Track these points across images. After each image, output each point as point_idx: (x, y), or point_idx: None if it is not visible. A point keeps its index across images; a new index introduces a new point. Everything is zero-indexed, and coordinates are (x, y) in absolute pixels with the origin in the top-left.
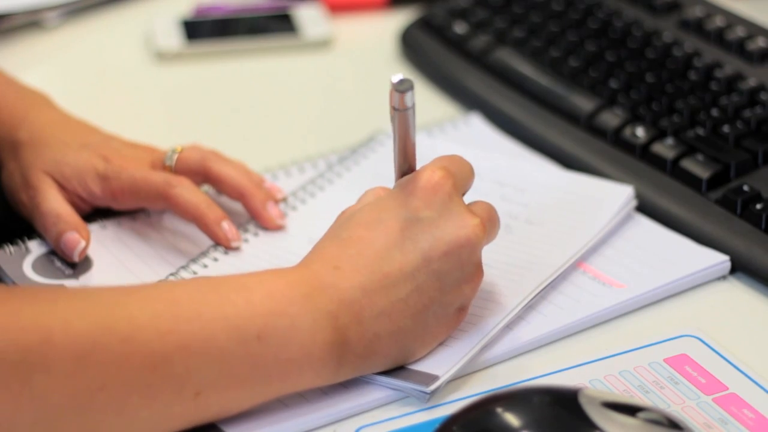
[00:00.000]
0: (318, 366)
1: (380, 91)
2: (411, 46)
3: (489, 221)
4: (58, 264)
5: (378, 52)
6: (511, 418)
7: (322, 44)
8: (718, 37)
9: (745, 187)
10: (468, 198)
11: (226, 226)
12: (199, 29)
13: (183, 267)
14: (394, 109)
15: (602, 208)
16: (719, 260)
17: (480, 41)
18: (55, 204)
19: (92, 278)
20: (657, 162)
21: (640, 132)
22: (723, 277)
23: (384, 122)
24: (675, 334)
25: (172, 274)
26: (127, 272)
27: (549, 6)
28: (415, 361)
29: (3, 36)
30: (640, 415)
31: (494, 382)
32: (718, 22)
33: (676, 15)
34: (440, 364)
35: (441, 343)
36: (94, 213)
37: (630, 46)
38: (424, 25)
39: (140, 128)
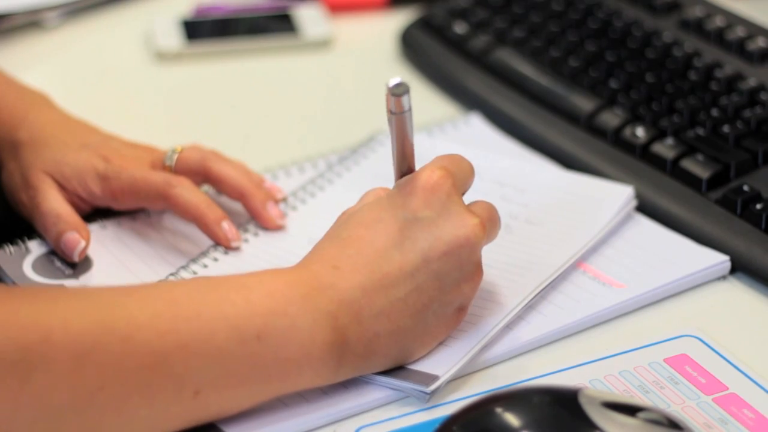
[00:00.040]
0: (317, 366)
1: (380, 91)
2: (411, 46)
3: (489, 221)
4: (58, 264)
5: (378, 52)
6: (511, 418)
7: (322, 44)
8: (718, 37)
9: (745, 187)
10: (468, 198)
11: (226, 226)
12: (199, 29)
13: (183, 267)
14: (390, 112)
15: (602, 208)
16: (719, 260)
17: (480, 41)
18: (55, 204)
19: (92, 278)
20: (657, 162)
21: (640, 132)
22: (723, 277)
23: (384, 122)
24: (675, 334)
25: (172, 274)
26: (127, 272)
27: (549, 6)
28: (415, 361)
29: (3, 36)
30: (640, 415)
31: (494, 382)
32: (718, 22)
33: (676, 15)
34: (440, 364)
35: (441, 343)
36: (94, 213)
37: (630, 46)
38: (424, 25)
39: (140, 128)
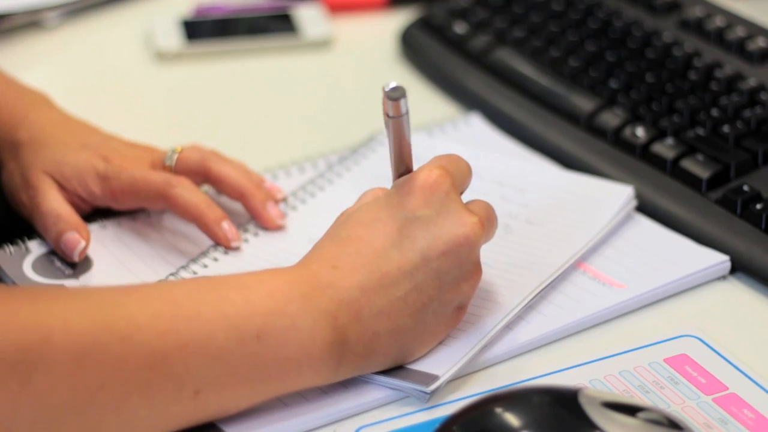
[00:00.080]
0: (317, 365)
1: (380, 92)
2: (411, 46)
3: (487, 220)
4: (58, 264)
5: (378, 52)
6: (511, 418)
7: (322, 44)
8: (718, 37)
9: (745, 187)
10: (467, 198)
11: (226, 226)
12: (199, 29)
13: (183, 267)
14: (387, 116)
15: (602, 208)
16: (719, 260)
17: (480, 41)
18: (55, 204)
19: (92, 278)
20: (657, 162)
21: (640, 132)
22: (723, 277)
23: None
24: (675, 334)
25: (172, 274)
26: (127, 272)
27: (549, 6)
28: (415, 361)
29: (3, 36)
30: (640, 415)
31: (494, 382)
32: (718, 22)
33: (676, 15)
34: (440, 363)
35: (441, 343)
36: (94, 213)
37: (630, 46)
38: (424, 25)
39: (140, 128)
